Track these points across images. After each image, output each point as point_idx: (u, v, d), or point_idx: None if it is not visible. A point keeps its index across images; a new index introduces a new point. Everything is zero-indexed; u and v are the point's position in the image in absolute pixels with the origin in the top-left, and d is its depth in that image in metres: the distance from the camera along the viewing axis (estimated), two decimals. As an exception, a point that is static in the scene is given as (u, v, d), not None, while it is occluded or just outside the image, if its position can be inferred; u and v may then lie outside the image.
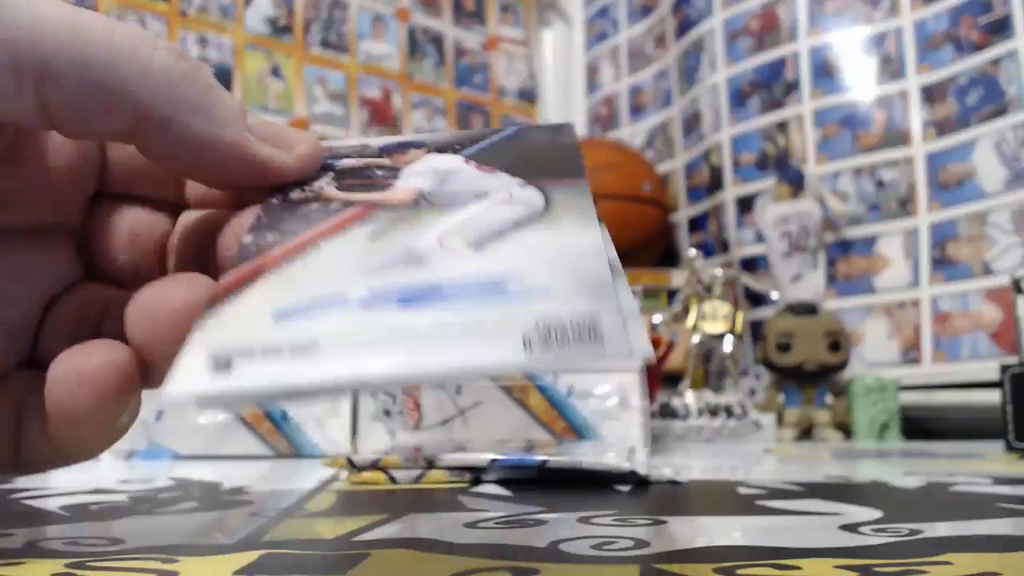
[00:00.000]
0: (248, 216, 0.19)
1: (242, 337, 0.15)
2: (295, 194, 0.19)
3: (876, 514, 0.28)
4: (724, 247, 1.25)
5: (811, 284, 1.05)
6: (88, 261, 0.21)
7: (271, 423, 0.64)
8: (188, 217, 0.21)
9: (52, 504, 0.32)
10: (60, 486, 0.39)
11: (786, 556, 0.19)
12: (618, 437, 0.58)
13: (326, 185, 0.20)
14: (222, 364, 0.14)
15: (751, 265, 1.19)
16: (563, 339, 0.15)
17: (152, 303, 0.18)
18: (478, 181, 0.20)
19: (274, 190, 0.20)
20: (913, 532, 0.23)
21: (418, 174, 0.20)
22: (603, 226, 0.18)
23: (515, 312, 0.15)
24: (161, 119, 0.18)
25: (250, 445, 0.63)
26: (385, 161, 0.21)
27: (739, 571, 0.18)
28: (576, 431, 0.59)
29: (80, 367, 0.17)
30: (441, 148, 0.21)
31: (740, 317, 1.03)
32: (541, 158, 0.21)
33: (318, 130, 1.26)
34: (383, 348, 0.15)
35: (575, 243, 0.17)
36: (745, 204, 1.22)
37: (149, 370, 0.18)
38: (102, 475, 0.47)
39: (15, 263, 0.19)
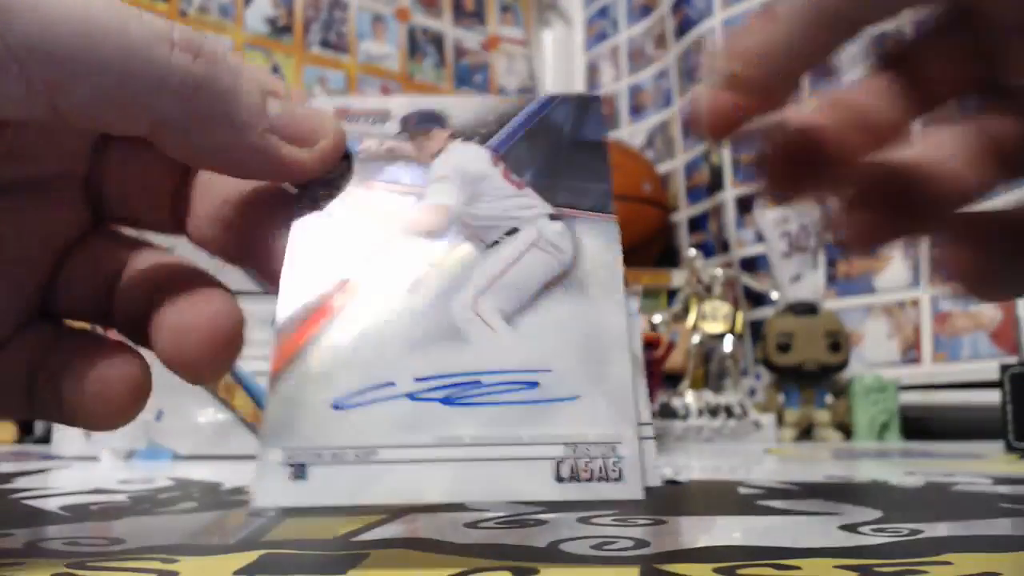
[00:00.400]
0: (279, 216, 0.20)
1: (311, 437, 0.17)
2: (324, 201, 0.20)
3: (876, 514, 0.27)
4: (724, 247, 1.25)
5: (811, 284, 1.06)
6: (99, 209, 0.21)
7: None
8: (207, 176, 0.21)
9: (52, 504, 0.32)
10: (60, 486, 0.39)
11: (786, 556, 0.19)
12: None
13: (352, 189, 0.20)
14: (298, 472, 0.17)
15: (751, 265, 1.19)
16: (588, 467, 0.17)
17: (177, 325, 0.19)
18: (507, 201, 0.20)
19: (300, 188, 0.20)
20: (913, 532, 0.23)
21: (445, 182, 0.20)
22: (628, 290, 0.19)
23: (548, 428, 0.17)
24: (178, 127, 0.17)
25: (250, 445, 0.63)
26: (408, 149, 0.21)
27: (739, 571, 0.18)
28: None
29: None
30: (467, 129, 0.21)
31: (740, 317, 1.03)
32: (570, 162, 0.21)
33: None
34: (434, 464, 0.17)
35: (602, 328, 0.18)
36: (745, 204, 1.22)
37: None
38: (102, 475, 0.47)
39: (22, 219, 0.19)
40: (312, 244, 0.19)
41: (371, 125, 0.21)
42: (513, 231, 0.20)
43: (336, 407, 0.18)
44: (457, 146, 0.21)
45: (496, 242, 0.20)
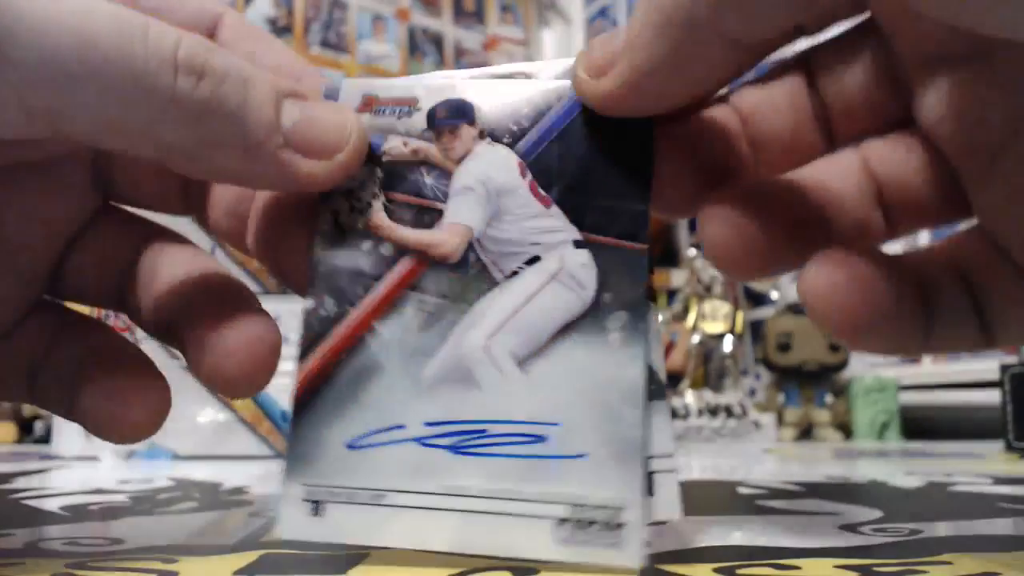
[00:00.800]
0: (299, 219, 0.19)
1: (327, 476, 0.18)
2: (344, 214, 0.19)
3: (876, 514, 0.27)
4: (724, 247, 1.25)
5: (811, 284, 1.06)
6: (109, 191, 0.20)
7: (271, 423, 0.64)
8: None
9: (52, 504, 0.32)
10: (60, 486, 0.39)
11: (786, 556, 0.19)
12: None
13: (374, 200, 0.19)
14: (316, 508, 0.18)
15: (751, 265, 1.19)
16: (588, 531, 0.17)
17: (219, 348, 0.19)
18: (531, 222, 0.19)
19: (323, 196, 0.19)
20: (913, 532, 0.23)
21: (467, 197, 0.19)
22: (654, 330, 0.18)
23: (552, 486, 0.17)
24: (186, 154, 0.17)
25: (250, 445, 0.63)
26: (433, 152, 0.19)
27: (739, 571, 0.18)
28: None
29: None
30: (498, 125, 0.19)
31: (740, 317, 1.03)
32: (604, 174, 0.19)
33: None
34: (439, 513, 0.18)
35: (618, 381, 0.18)
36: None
37: None
38: (102, 475, 0.47)
39: (27, 204, 0.18)
40: (329, 273, 0.19)
41: (397, 119, 0.20)
42: (534, 260, 0.19)
43: (350, 447, 0.18)
44: (484, 149, 0.19)
45: (515, 272, 0.19)
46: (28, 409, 0.96)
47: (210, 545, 0.22)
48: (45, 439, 0.88)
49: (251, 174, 0.18)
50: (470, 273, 0.19)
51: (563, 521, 0.17)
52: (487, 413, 0.18)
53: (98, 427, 0.19)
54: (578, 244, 0.18)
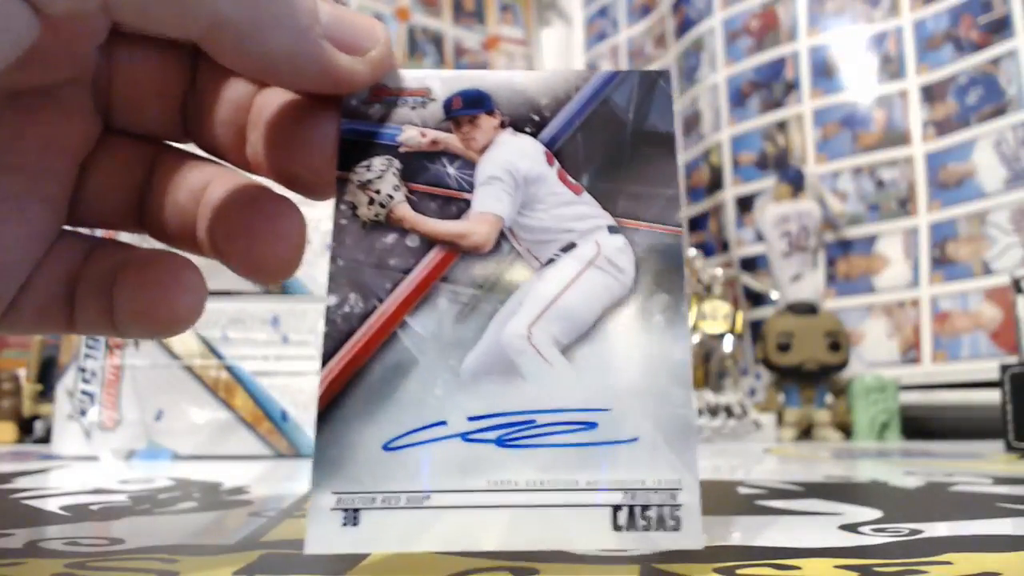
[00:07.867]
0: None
1: (362, 481, 0.17)
2: (363, 207, 0.18)
3: (876, 514, 0.27)
4: (724, 247, 1.25)
5: (811, 284, 1.06)
6: (109, 116, 0.20)
7: (271, 423, 0.64)
8: (237, 90, 0.20)
9: (52, 504, 0.32)
10: (60, 486, 0.39)
11: (786, 556, 0.19)
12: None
13: (395, 192, 0.19)
14: (350, 517, 0.17)
15: (751, 265, 1.19)
16: (646, 515, 0.17)
17: (252, 239, 0.18)
18: (563, 210, 0.19)
19: (339, 190, 0.19)
20: (913, 532, 0.23)
21: (494, 186, 0.19)
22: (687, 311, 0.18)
23: (606, 473, 0.17)
24: (235, 31, 0.16)
25: (250, 445, 0.63)
26: (453, 141, 0.19)
27: (739, 571, 0.18)
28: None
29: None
30: (517, 116, 0.19)
31: (740, 317, 1.03)
32: (633, 160, 0.19)
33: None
34: (488, 510, 0.17)
35: (664, 361, 0.17)
36: (745, 204, 1.22)
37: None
38: (102, 475, 0.47)
39: (40, 129, 0.18)
40: (351, 268, 0.18)
41: (411, 110, 0.19)
42: (570, 247, 0.18)
43: (387, 448, 0.17)
44: (507, 139, 0.19)
45: (551, 260, 0.18)
46: (28, 409, 0.96)
47: (210, 545, 0.22)
48: (45, 439, 0.88)
49: (293, 62, 0.17)
50: (505, 262, 0.18)
51: (619, 507, 0.17)
52: (533, 403, 0.17)
53: (137, 322, 0.19)
54: (612, 229, 0.18)
